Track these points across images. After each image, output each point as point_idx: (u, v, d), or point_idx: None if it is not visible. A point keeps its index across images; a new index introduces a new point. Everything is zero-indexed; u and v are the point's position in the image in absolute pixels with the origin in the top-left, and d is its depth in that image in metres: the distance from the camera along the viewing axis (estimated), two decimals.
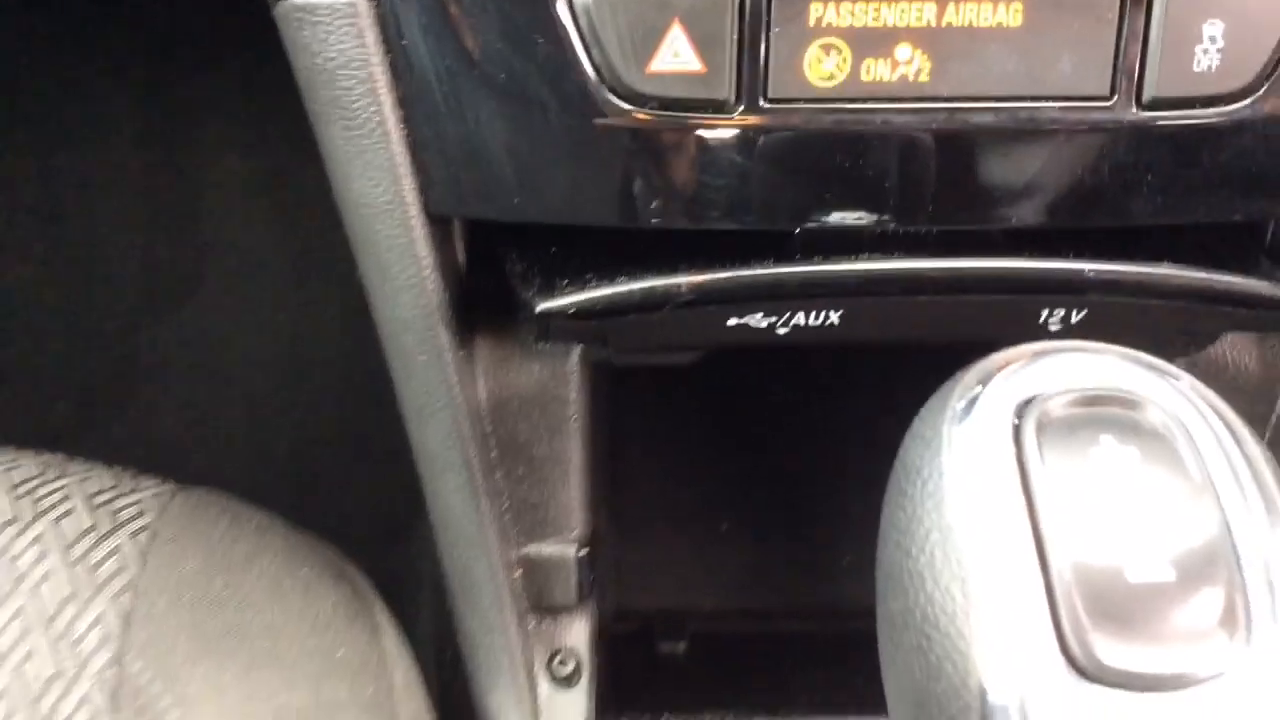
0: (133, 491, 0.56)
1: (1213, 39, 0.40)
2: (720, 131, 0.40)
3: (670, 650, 0.65)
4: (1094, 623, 0.26)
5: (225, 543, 0.53)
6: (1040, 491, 0.27)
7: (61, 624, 0.49)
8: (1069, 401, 0.28)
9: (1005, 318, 0.44)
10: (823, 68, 0.40)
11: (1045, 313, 0.44)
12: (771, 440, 0.53)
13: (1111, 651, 0.26)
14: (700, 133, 0.40)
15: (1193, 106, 0.40)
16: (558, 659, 0.52)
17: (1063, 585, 0.26)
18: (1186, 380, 0.30)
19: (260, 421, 1.06)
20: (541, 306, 0.42)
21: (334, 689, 0.49)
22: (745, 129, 0.40)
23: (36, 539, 0.52)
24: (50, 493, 0.55)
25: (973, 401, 0.29)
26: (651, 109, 0.39)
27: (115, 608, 0.50)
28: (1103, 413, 0.28)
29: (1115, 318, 0.44)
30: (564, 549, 0.51)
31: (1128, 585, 0.26)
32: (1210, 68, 0.40)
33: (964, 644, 0.27)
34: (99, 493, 0.55)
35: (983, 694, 0.26)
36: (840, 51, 0.39)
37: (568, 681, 0.52)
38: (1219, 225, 0.47)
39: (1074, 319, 0.44)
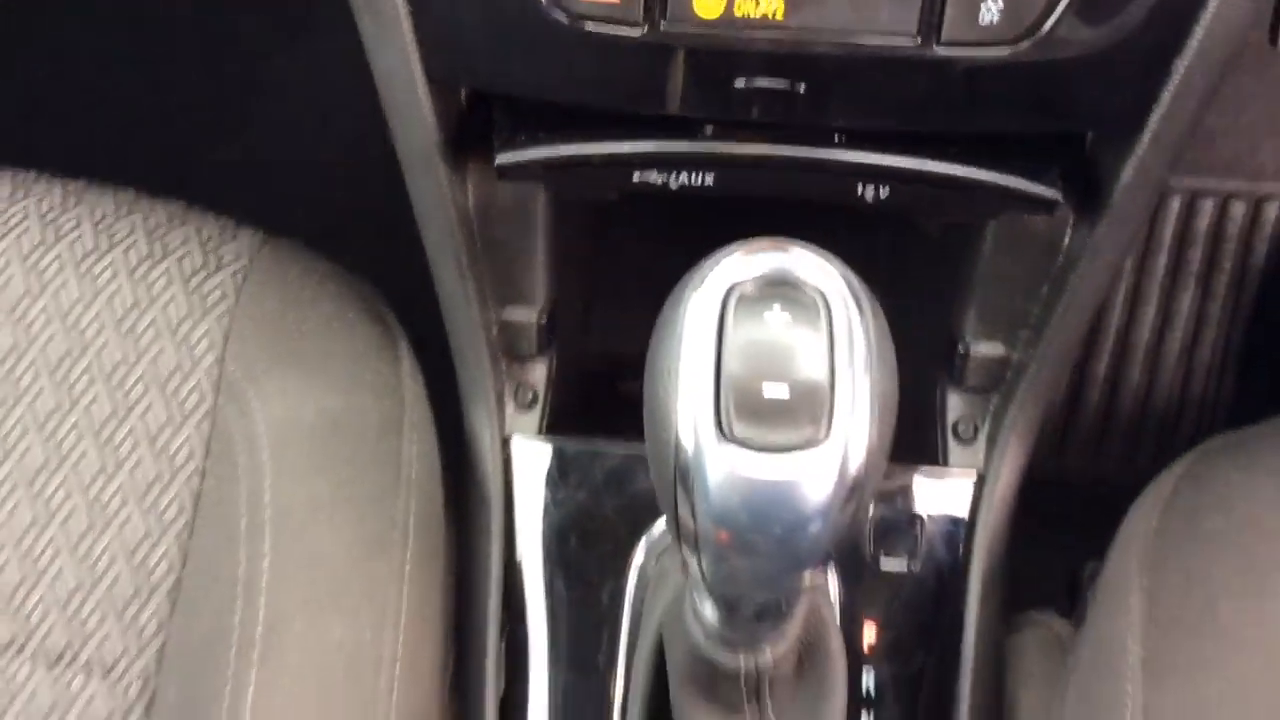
0: (234, 239, 0.78)
1: (996, 2, 0.56)
2: (629, 43, 0.57)
3: (626, 389, 0.87)
4: (737, 413, 0.46)
5: (296, 287, 0.76)
6: (727, 337, 0.47)
7: (181, 333, 0.73)
8: (758, 282, 0.47)
9: (833, 189, 0.62)
10: (707, 4, 0.57)
11: (860, 188, 0.62)
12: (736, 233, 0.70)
13: (744, 430, 0.46)
14: (615, 43, 0.57)
15: (977, 48, 0.56)
16: (520, 390, 0.75)
17: (724, 391, 0.46)
18: (841, 272, 0.48)
19: (355, 155, 1.25)
20: (499, 158, 0.62)
21: (361, 399, 0.72)
22: (647, 43, 0.57)
23: (165, 271, 0.75)
24: (175, 236, 0.77)
25: (704, 278, 0.48)
26: (582, 23, 0.57)
27: (218, 326, 0.74)
28: (777, 290, 0.47)
29: (912, 195, 0.62)
30: (529, 314, 0.73)
31: (760, 396, 0.46)
32: (992, 21, 0.56)
33: (673, 416, 0.47)
34: (210, 239, 0.78)
35: (678, 442, 0.47)
36: None
37: (528, 406, 0.75)
38: (1043, 137, 0.63)
39: (882, 194, 0.62)
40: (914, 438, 0.76)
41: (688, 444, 0.47)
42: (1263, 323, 1.32)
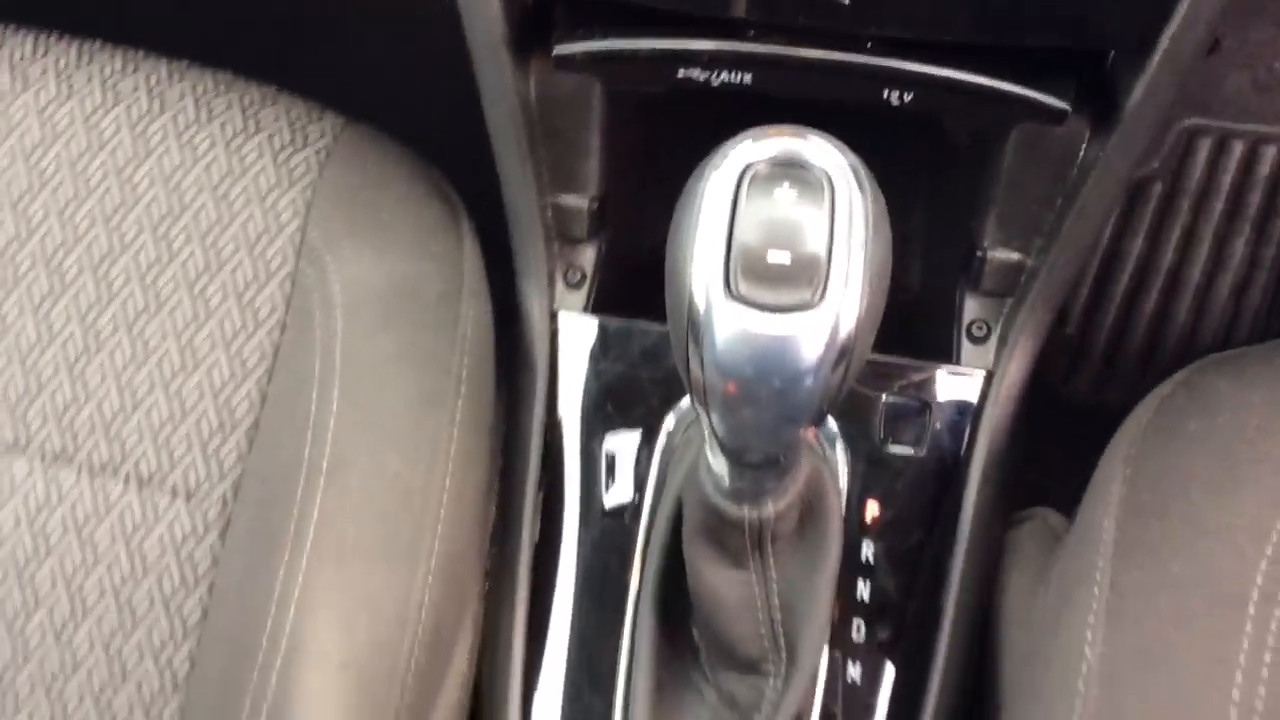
0: (320, 120, 0.87)
1: None
2: None
3: None
4: (744, 276, 0.53)
5: (373, 166, 0.84)
6: (740, 209, 0.54)
7: (269, 201, 0.82)
8: (770, 162, 0.54)
9: (861, 91, 0.69)
10: None
11: (885, 92, 0.68)
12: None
13: (748, 290, 0.53)
14: None
15: None
16: (570, 270, 0.83)
17: (734, 257, 0.53)
18: (847, 157, 0.55)
19: (431, 52, 1.33)
20: (557, 50, 0.69)
21: (425, 267, 0.80)
22: None
23: (256, 145, 0.84)
24: (267, 115, 0.86)
25: (725, 157, 0.55)
26: None
27: (302, 197, 0.82)
28: (786, 170, 0.54)
29: (936, 101, 0.68)
30: (581, 200, 0.80)
31: (765, 262, 0.53)
32: None
33: (688, 278, 0.55)
34: (298, 119, 0.86)
35: (691, 299, 0.54)
36: None
37: (576, 286, 0.83)
38: (1064, 53, 0.69)
39: (906, 99, 0.68)
40: (931, 338, 0.83)
41: (699, 302, 0.54)
42: None
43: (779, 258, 0.53)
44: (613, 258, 0.86)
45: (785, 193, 0.54)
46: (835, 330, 0.53)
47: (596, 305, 0.83)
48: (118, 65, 0.87)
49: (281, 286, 0.80)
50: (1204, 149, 1.39)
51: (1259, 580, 0.63)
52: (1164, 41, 0.65)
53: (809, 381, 0.54)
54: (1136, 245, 1.38)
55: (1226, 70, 1.41)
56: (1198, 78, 1.42)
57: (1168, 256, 1.38)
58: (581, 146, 0.78)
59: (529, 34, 0.73)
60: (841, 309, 0.53)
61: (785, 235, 0.53)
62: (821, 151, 0.55)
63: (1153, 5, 0.64)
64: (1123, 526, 0.68)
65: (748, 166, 0.55)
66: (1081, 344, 1.34)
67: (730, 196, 0.54)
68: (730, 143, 0.56)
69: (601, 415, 0.80)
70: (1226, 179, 1.38)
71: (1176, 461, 0.69)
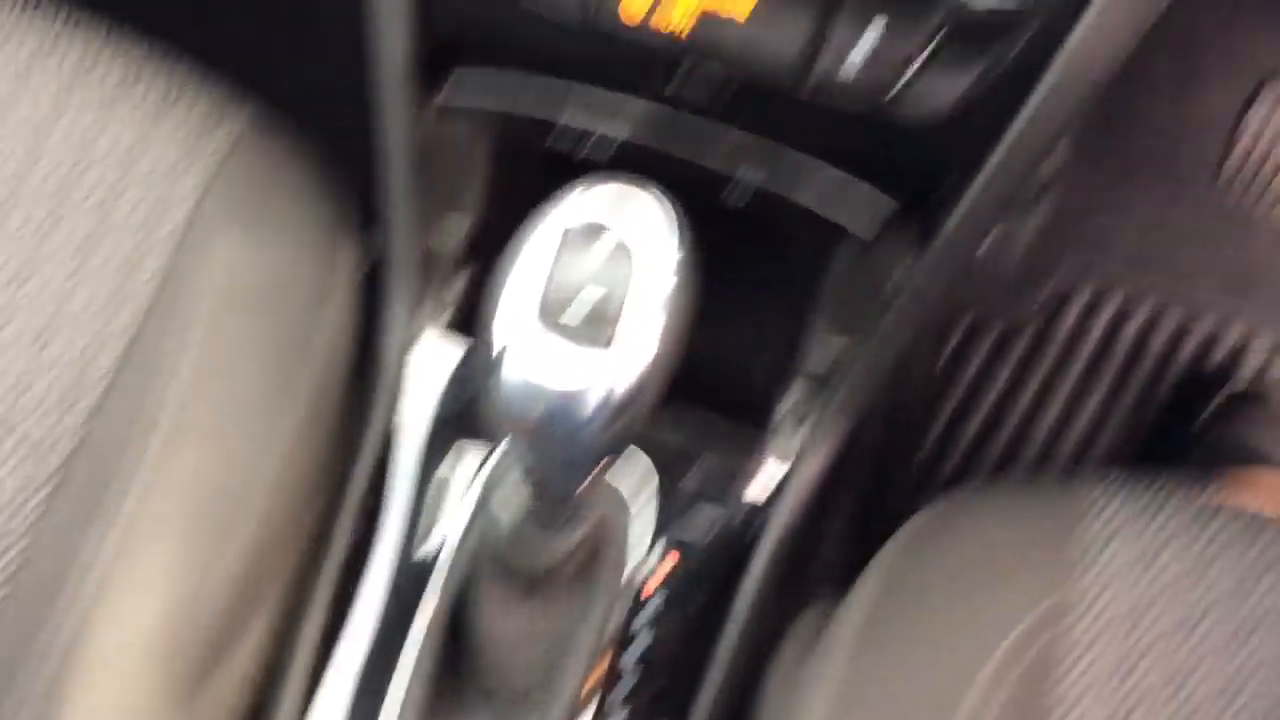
0: (238, 106, 0.89)
1: (856, 62, 0.67)
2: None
3: None
4: (539, 322, 0.56)
5: (275, 160, 0.87)
6: (557, 260, 0.58)
7: (173, 176, 0.84)
8: (587, 222, 0.58)
9: (708, 185, 0.74)
10: (631, 12, 0.68)
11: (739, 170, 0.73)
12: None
13: (542, 336, 0.56)
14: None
15: (839, 97, 0.67)
16: (436, 295, 0.87)
17: (533, 303, 0.58)
18: (668, 215, 0.57)
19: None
20: (438, 101, 0.74)
21: (300, 267, 0.84)
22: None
23: (172, 121, 0.86)
24: (189, 91, 0.88)
25: (550, 205, 0.58)
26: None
27: (201, 178, 0.84)
28: (604, 222, 0.56)
29: (765, 208, 0.73)
30: (459, 228, 0.85)
31: (562, 309, 0.56)
32: (848, 79, 0.66)
33: (489, 318, 0.58)
34: (218, 102, 0.88)
35: (490, 339, 0.58)
36: None
37: (441, 308, 0.87)
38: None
39: (743, 202, 0.73)
40: (749, 418, 0.88)
41: (496, 342, 0.57)
42: (1163, 434, 1.42)
43: (577, 308, 0.57)
44: (483, 283, 0.90)
45: (596, 244, 0.57)
46: (617, 385, 0.57)
47: (461, 327, 0.87)
48: (60, 21, 0.89)
49: (164, 260, 0.84)
50: (1078, 304, 1.47)
51: (979, 682, 0.68)
52: (974, 188, 0.70)
53: (592, 429, 0.58)
54: (997, 386, 1.45)
55: (1115, 229, 1.50)
56: (1087, 235, 1.51)
57: (1024, 401, 1.45)
58: (466, 182, 0.83)
59: (430, 75, 0.78)
60: (627, 364, 0.57)
61: (584, 286, 0.56)
62: (640, 205, 0.57)
63: (968, 152, 0.69)
64: (870, 618, 0.73)
65: (568, 215, 0.57)
66: (930, 469, 1.40)
67: (543, 243, 0.57)
68: (563, 190, 0.59)
69: (442, 435, 0.85)
70: (1094, 334, 1.46)
71: (927, 568, 0.75)
